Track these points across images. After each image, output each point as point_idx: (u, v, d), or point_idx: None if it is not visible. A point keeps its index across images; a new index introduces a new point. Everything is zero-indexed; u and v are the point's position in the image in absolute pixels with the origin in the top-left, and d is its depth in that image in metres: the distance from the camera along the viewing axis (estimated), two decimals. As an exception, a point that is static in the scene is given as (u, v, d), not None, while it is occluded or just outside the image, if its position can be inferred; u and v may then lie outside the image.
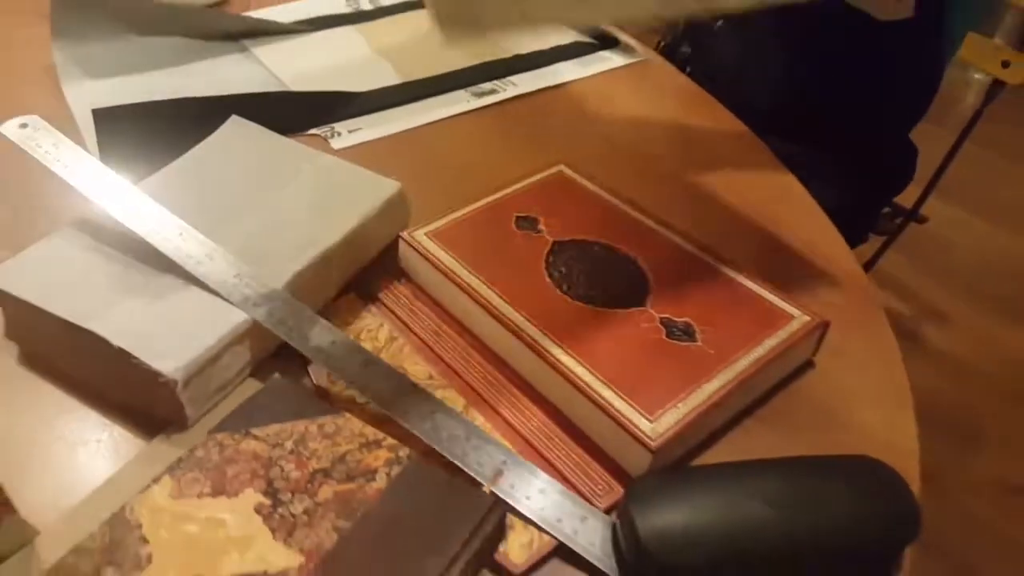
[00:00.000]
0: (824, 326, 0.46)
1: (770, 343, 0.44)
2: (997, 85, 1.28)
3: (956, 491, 1.36)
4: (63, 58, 0.70)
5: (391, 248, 0.51)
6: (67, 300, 0.41)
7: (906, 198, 1.21)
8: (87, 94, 0.66)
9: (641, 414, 0.39)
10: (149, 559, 0.28)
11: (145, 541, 0.29)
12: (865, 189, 0.97)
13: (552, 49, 0.76)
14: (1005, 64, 1.22)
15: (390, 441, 0.33)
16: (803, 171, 0.65)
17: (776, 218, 0.59)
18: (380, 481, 0.31)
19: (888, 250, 1.42)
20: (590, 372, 0.41)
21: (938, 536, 1.29)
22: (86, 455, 0.39)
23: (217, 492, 0.31)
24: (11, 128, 0.49)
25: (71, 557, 0.29)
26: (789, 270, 0.54)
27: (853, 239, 1.01)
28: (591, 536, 0.37)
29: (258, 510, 0.30)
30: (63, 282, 0.42)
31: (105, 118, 0.59)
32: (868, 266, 1.43)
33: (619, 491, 0.39)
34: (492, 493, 0.31)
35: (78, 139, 0.56)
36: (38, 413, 0.41)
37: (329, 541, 0.29)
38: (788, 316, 0.46)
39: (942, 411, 1.49)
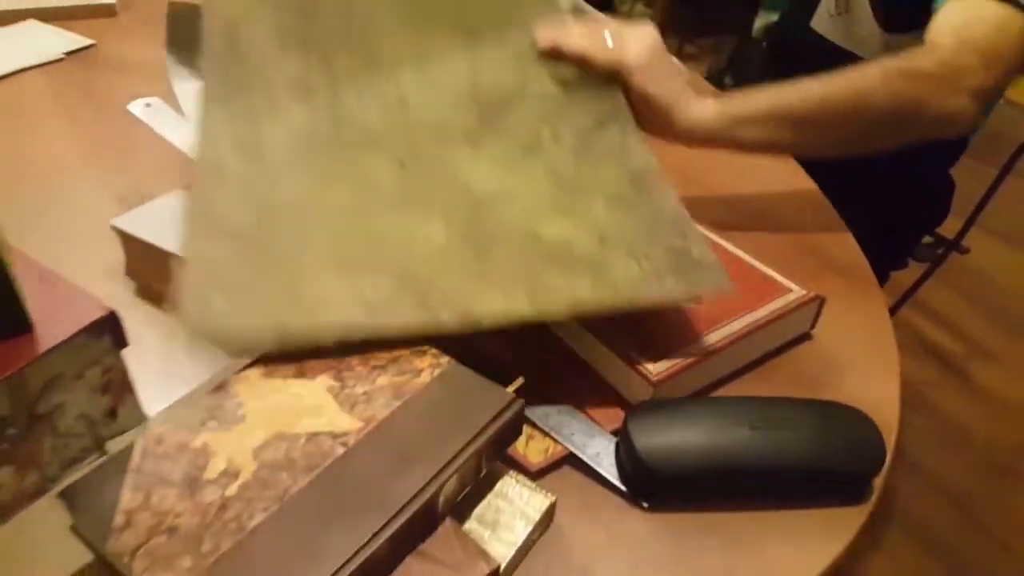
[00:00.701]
0: (819, 301, 0.52)
1: (768, 309, 0.50)
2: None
3: (992, 522, 1.36)
4: (173, 61, 0.81)
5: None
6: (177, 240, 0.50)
7: (948, 228, 1.23)
8: (192, 88, 0.76)
9: (647, 355, 0.46)
10: (243, 418, 0.36)
11: (241, 405, 0.37)
12: (897, 222, 0.98)
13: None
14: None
15: (435, 351, 0.41)
16: (833, 198, 0.70)
17: (790, 212, 0.66)
18: (424, 377, 0.39)
19: (930, 280, 1.44)
20: (608, 322, 0.48)
21: (972, 564, 1.30)
22: (186, 366, 0.48)
23: (298, 376, 0.39)
24: (138, 107, 0.59)
25: (181, 412, 0.37)
26: (796, 256, 0.60)
27: (888, 266, 1.04)
28: (597, 449, 0.43)
29: (329, 390, 0.38)
30: (175, 228, 0.51)
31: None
32: (909, 294, 1.46)
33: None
34: (513, 393, 0.38)
35: (187, 122, 0.66)
36: (149, 334, 0.50)
37: (381, 414, 0.37)
38: (787, 290, 0.52)
39: (979, 443, 1.49)
